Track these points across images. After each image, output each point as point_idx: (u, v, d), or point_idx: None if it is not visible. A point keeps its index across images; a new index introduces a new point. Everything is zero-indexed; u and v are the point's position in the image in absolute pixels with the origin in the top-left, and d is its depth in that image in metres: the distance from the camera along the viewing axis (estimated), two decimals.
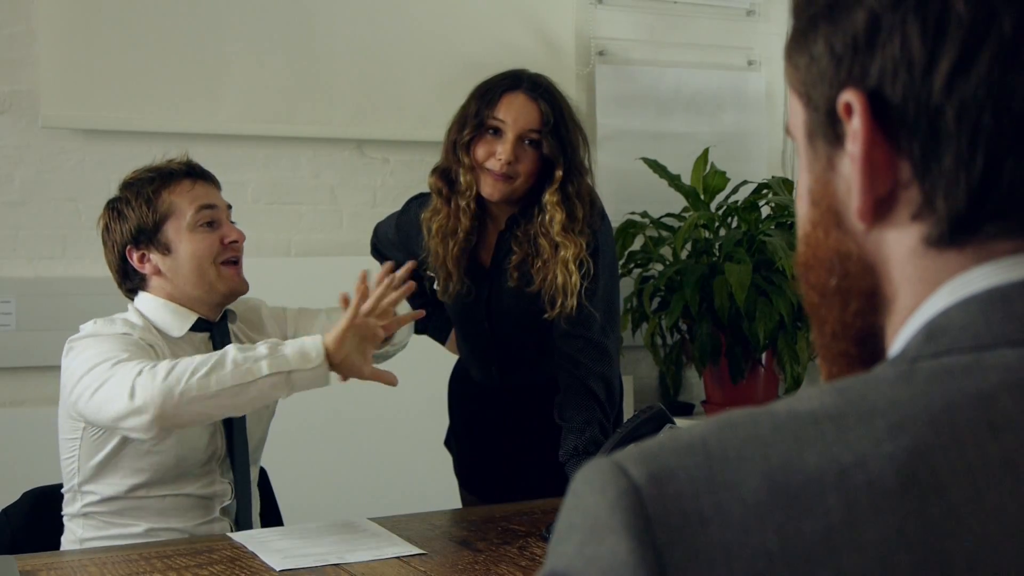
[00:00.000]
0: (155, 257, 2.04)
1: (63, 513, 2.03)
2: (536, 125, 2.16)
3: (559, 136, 2.16)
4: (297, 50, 3.28)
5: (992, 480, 0.50)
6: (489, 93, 2.19)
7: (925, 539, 0.48)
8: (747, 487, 0.49)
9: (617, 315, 2.30)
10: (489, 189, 2.18)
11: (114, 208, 2.08)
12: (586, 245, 2.16)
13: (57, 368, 3.03)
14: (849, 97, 0.57)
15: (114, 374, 1.82)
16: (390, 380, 1.95)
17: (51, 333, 3.02)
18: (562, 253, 2.15)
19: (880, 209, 0.58)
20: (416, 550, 1.81)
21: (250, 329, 2.18)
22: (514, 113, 2.16)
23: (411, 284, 2.01)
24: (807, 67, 0.60)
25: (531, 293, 2.19)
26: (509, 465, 2.41)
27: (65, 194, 3.08)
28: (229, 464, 2.06)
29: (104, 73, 3.07)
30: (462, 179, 2.20)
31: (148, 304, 2.05)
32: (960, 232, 0.56)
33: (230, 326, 2.13)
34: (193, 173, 2.09)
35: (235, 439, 2.06)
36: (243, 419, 2.07)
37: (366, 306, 1.89)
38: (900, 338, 0.58)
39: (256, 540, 1.86)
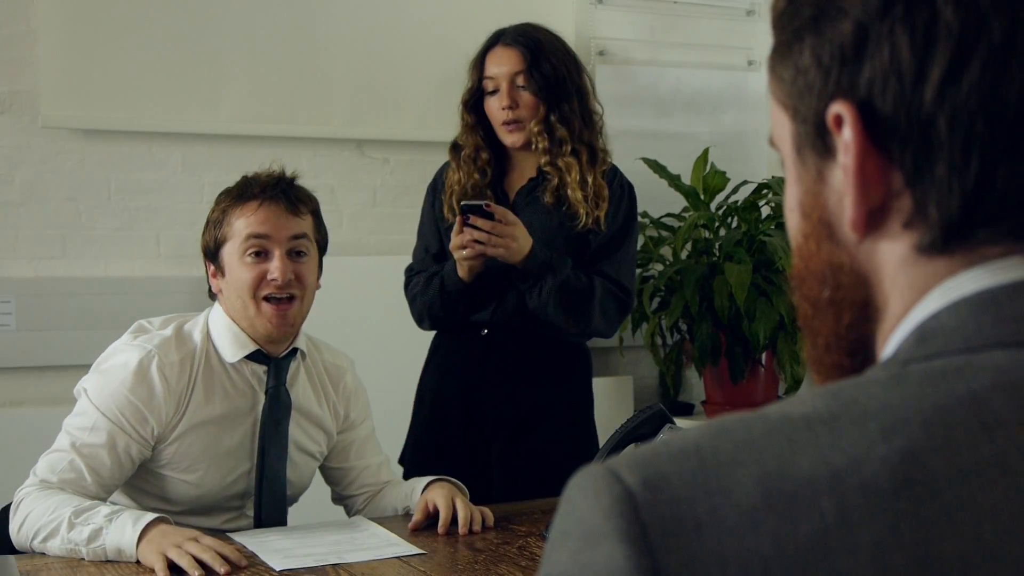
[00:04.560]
0: (219, 276, 2.00)
1: None
2: (520, 67, 2.41)
3: (541, 70, 2.40)
4: (297, 50, 3.28)
5: (985, 481, 0.50)
6: (478, 59, 2.49)
7: (919, 540, 0.49)
8: (741, 492, 0.50)
9: (633, 283, 2.53)
10: (508, 139, 2.44)
11: (207, 220, 2.03)
12: (590, 162, 2.42)
13: (57, 368, 3.05)
14: (839, 108, 0.57)
15: (34, 470, 1.87)
16: None
17: (51, 333, 3.02)
18: (556, 178, 2.41)
19: (873, 219, 0.58)
20: (416, 550, 1.81)
21: (329, 382, 2.12)
22: (497, 63, 2.44)
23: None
24: (793, 79, 0.60)
25: (561, 214, 2.41)
26: (487, 465, 2.43)
27: (65, 194, 3.08)
28: (257, 501, 2.01)
29: (104, 73, 3.08)
30: (461, 139, 2.49)
31: (217, 319, 2.00)
32: (952, 239, 0.56)
33: (302, 364, 2.06)
34: (264, 194, 1.96)
35: (264, 479, 2.00)
36: (278, 463, 2.01)
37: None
38: (891, 342, 0.58)
39: (256, 540, 1.86)
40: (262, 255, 1.95)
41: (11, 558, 1.79)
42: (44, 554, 1.79)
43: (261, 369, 2.00)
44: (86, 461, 1.86)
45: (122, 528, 1.74)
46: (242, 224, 1.95)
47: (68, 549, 1.76)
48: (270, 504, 2.01)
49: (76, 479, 1.85)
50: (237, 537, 1.88)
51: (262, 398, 2.00)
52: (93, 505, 1.79)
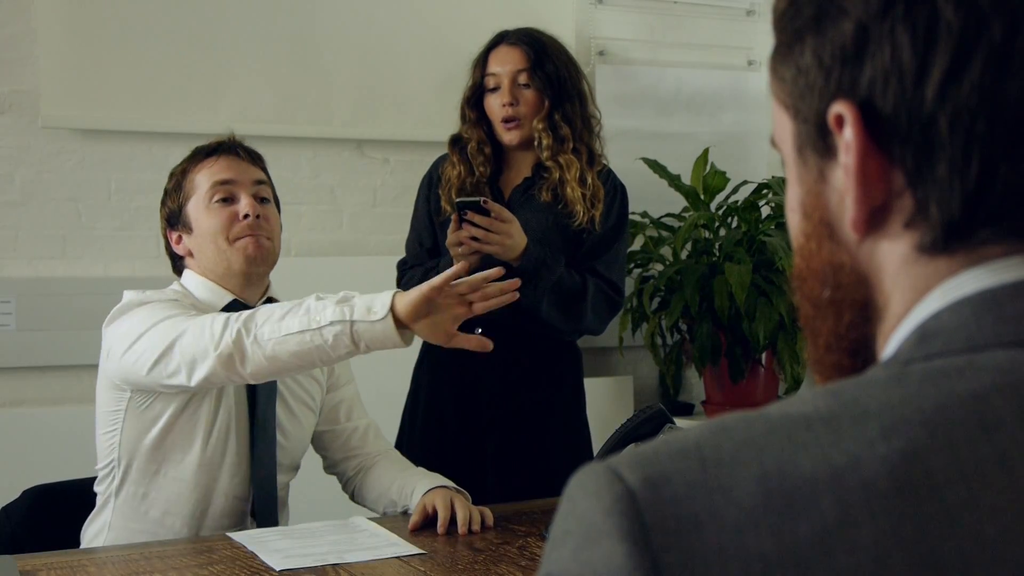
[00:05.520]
0: (185, 237, 2.03)
1: (96, 490, 2.01)
2: (522, 65, 2.46)
3: (545, 70, 2.45)
4: (297, 50, 3.28)
5: (986, 480, 0.50)
6: (480, 58, 2.52)
7: (919, 540, 0.49)
8: (742, 490, 0.50)
9: (623, 283, 2.54)
10: (507, 136, 2.47)
11: (164, 192, 2.08)
12: (588, 163, 2.45)
13: (57, 368, 3.06)
14: (840, 108, 0.57)
15: (189, 326, 1.79)
16: (481, 346, 1.83)
17: (51, 333, 3.02)
18: (556, 175, 2.43)
19: (874, 219, 0.58)
20: (416, 550, 1.81)
21: None
22: (500, 62, 2.48)
23: (513, 296, 1.89)
24: (794, 79, 0.60)
25: (557, 212, 2.43)
26: (480, 462, 2.44)
27: (65, 194, 3.08)
28: (250, 448, 2.00)
29: (104, 73, 3.08)
30: (465, 133, 2.51)
31: (189, 280, 2.04)
32: (953, 238, 0.56)
33: None
34: (220, 149, 2.04)
35: (256, 425, 2.00)
36: (268, 407, 2.01)
37: (460, 288, 1.77)
38: (892, 342, 0.58)
39: (256, 540, 1.86)
40: (229, 201, 2.00)
41: (11, 558, 1.79)
42: (263, 346, 1.75)
43: None
44: (178, 316, 1.85)
45: (373, 294, 1.75)
46: (203, 176, 2.01)
47: (310, 318, 1.72)
48: (263, 450, 2.00)
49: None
50: (236, 537, 1.88)
51: None
52: None
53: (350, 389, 2.21)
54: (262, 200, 2.04)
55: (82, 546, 2.00)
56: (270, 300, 2.06)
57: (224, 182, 2.00)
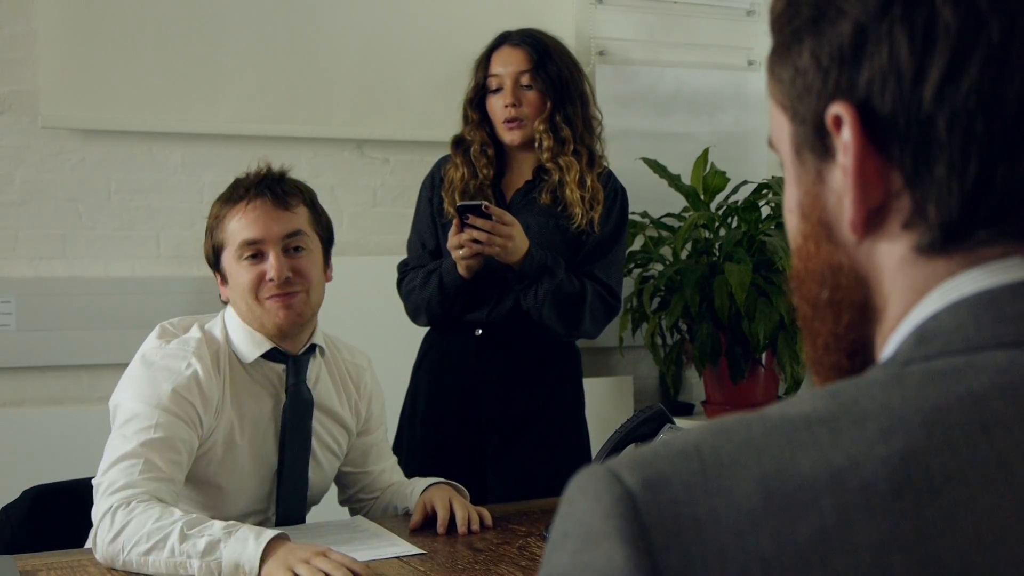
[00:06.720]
0: (224, 282, 1.98)
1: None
2: (525, 67, 2.46)
3: (547, 71, 2.46)
4: (297, 50, 3.28)
5: (985, 481, 0.50)
6: (483, 59, 2.53)
7: (919, 541, 0.49)
8: (741, 492, 0.50)
9: (621, 287, 2.53)
10: (508, 136, 2.48)
11: (206, 225, 2.00)
12: (588, 165, 2.45)
13: (57, 368, 3.06)
14: (838, 109, 0.57)
15: (103, 485, 1.77)
16: None
17: (51, 333, 3.02)
18: (556, 176, 2.44)
19: (872, 220, 0.58)
20: (416, 550, 1.81)
21: (351, 382, 2.09)
22: (503, 63, 2.48)
23: None
24: (792, 80, 0.60)
25: (557, 215, 2.43)
26: (481, 464, 2.45)
27: (65, 194, 3.08)
28: (277, 502, 1.98)
29: (104, 73, 3.08)
30: (468, 134, 2.51)
31: (231, 320, 1.98)
32: (952, 239, 0.56)
33: (320, 360, 2.04)
34: (251, 192, 1.94)
35: (284, 481, 1.98)
36: (300, 463, 1.98)
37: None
38: (891, 343, 0.58)
39: None
40: (258, 256, 1.93)
41: (11, 558, 1.78)
42: (133, 571, 1.71)
43: (280, 368, 1.98)
44: (160, 456, 1.80)
45: (243, 542, 1.66)
46: (235, 227, 1.93)
47: (175, 563, 1.67)
48: (289, 507, 1.99)
49: (157, 477, 1.78)
50: None
51: (284, 398, 1.98)
52: (203, 519, 1.72)
53: (380, 432, 2.18)
54: (296, 250, 1.95)
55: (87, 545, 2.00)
56: (314, 347, 2.02)
57: (252, 242, 1.92)
